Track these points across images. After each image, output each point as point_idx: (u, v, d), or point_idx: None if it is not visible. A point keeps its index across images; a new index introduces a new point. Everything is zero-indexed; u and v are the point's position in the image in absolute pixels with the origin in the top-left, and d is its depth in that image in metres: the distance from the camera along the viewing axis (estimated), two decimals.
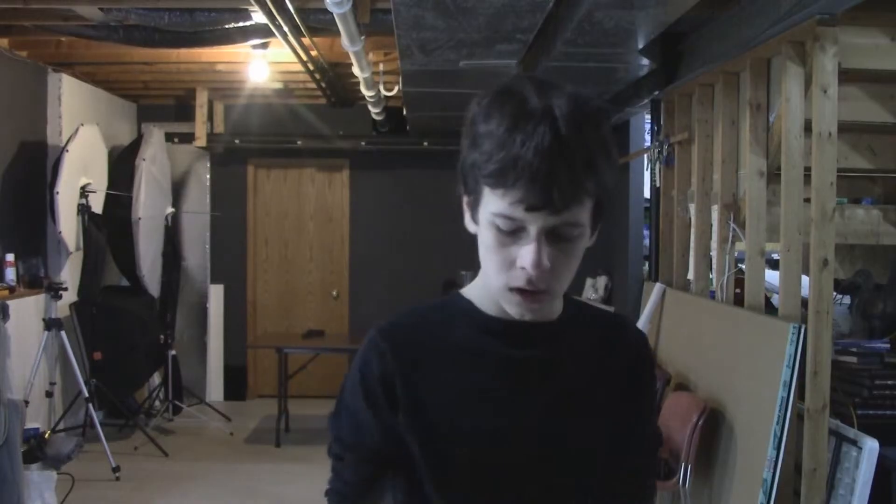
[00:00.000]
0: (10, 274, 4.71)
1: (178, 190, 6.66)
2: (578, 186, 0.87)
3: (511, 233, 0.90)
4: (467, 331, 1.02)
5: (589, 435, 1.03)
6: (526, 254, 0.90)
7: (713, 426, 3.25)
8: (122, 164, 5.81)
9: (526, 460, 1.00)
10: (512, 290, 0.93)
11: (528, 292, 0.93)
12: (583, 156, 0.87)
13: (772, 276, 3.46)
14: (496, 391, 1.00)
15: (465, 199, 0.97)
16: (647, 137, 5.37)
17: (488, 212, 0.91)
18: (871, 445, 2.65)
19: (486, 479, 0.99)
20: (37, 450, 4.01)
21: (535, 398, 1.01)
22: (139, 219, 5.57)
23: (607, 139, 0.91)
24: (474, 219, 0.96)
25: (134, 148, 5.93)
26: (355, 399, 1.02)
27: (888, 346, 3.00)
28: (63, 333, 4.84)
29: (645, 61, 3.90)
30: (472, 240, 0.99)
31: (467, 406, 1.00)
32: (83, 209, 5.25)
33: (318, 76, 5.30)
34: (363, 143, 6.62)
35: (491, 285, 0.97)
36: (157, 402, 6.10)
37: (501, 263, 0.93)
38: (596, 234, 0.97)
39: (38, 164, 5.33)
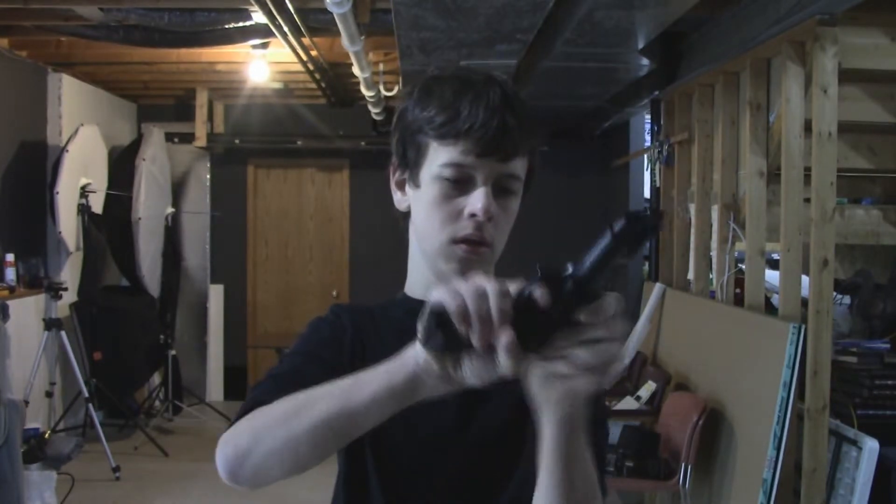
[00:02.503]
0: (10, 274, 4.71)
1: (178, 190, 6.66)
2: (525, 137, 0.95)
3: (458, 183, 0.94)
4: (398, 314, 1.04)
5: (513, 423, 0.97)
6: (476, 200, 0.94)
7: (713, 426, 3.25)
8: (122, 164, 5.81)
9: (447, 444, 0.98)
10: (457, 241, 0.95)
11: (473, 243, 0.95)
12: (526, 113, 0.95)
13: (772, 276, 3.46)
14: None
15: (395, 176, 1.02)
16: (647, 137, 5.37)
17: (436, 165, 0.95)
18: (871, 445, 2.65)
19: (410, 460, 0.98)
20: (37, 450, 4.00)
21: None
22: (139, 219, 5.57)
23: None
24: (415, 182, 0.98)
25: (134, 148, 5.93)
26: (310, 330, 1.04)
27: (888, 346, 3.00)
28: (63, 333, 4.84)
29: (645, 61, 3.90)
30: None
31: None
32: (83, 209, 5.25)
33: (318, 76, 5.30)
34: (363, 143, 6.62)
35: (430, 248, 0.99)
36: (157, 402, 6.09)
37: (448, 216, 0.95)
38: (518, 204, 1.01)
39: (38, 164, 5.32)
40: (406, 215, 1.03)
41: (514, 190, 0.97)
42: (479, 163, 0.93)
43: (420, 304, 0.97)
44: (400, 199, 1.03)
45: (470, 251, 0.96)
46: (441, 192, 0.95)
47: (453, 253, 0.96)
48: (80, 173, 5.27)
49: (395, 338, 0.98)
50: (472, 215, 0.94)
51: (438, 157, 0.95)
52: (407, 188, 1.01)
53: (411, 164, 0.98)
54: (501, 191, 0.95)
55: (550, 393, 0.75)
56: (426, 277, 1.02)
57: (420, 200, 0.98)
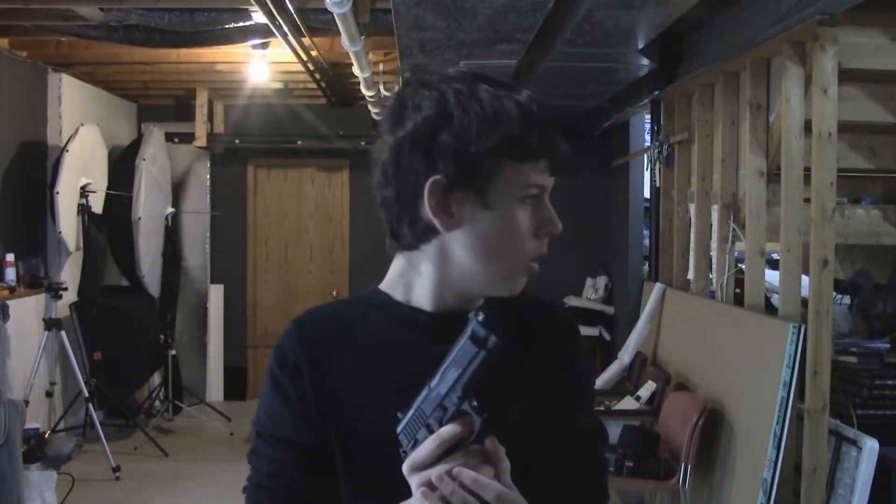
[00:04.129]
0: (10, 274, 4.71)
1: (178, 190, 6.66)
2: (564, 148, 0.96)
3: (534, 201, 0.95)
4: (381, 324, 1.00)
5: (507, 428, 0.94)
6: (552, 217, 0.95)
7: (713, 426, 3.25)
8: (122, 164, 5.81)
9: None
10: (534, 259, 0.96)
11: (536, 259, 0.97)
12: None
13: (772, 276, 3.46)
14: (410, 386, 0.92)
15: (435, 198, 0.92)
16: (647, 137, 5.37)
17: (518, 186, 0.93)
18: (871, 445, 2.66)
19: (395, 478, 0.91)
20: (37, 450, 4.00)
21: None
22: (139, 219, 5.57)
23: None
24: (483, 203, 0.92)
25: (134, 148, 5.93)
26: (267, 390, 1.01)
27: (888, 346, 3.00)
28: (63, 333, 4.84)
29: (645, 61, 3.90)
30: None
31: (379, 401, 0.95)
32: (83, 209, 5.25)
33: (318, 76, 5.30)
34: (363, 143, 6.62)
35: (500, 269, 0.95)
36: (157, 402, 6.09)
37: (530, 235, 0.95)
38: None
39: (38, 164, 5.32)
40: (428, 233, 0.95)
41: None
42: (549, 181, 0.95)
43: (411, 311, 0.99)
44: (448, 222, 0.93)
45: (532, 269, 0.97)
46: (526, 212, 0.94)
47: (527, 271, 0.97)
48: (80, 173, 5.27)
49: (377, 348, 0.99)
50: (549, 232, 0.96)
51: (518, 178, 0.92)
52: (461, 210, 0.92)
53: (479, 184, 0.91)
54: None
55: None
56: (442, 292, 0.98)
57: (492, 222, 0.92)
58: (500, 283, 0.97)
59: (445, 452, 0.83)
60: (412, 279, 1.01)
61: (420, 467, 0.84)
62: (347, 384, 0.98)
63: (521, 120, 0.91)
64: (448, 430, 0.84)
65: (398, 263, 1.03)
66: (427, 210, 0.92)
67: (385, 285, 1.04)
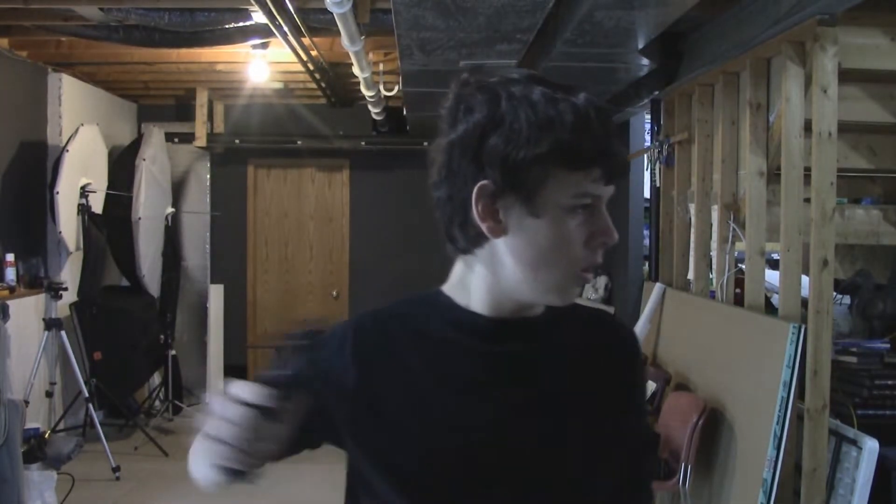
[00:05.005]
0: (10, 274, 4.71)
1: (178, 190, 6.66)
2: (620, 156, 0.95)
3: (586, 210, 0.93)
4: (445, 326, 0.99)
5: (565, 437, 0.97)
6: (607, 227, 0.94)
7: (713, 426, 3.25)
8: (122, 164, 5.81)
9: (495, 460, 0.95)
10: (585, 269, 0.94)
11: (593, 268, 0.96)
12: (615, 133, 0.94)
13: (772, 276, 3.46)
14: (469, 387, 0.96)
15: (483, 203, 0.92)
16: (647, 137, 5.37)
17: (568, 195, 0.91)
18: (871, 445, 2.65)
19: (448, 476, 0.94)
20: (37, 450, 4.00)
21: (510, 396, 0.96)
22: (139, 219, 5.57)
23: None
24: (532, 211, 0.91)
25: (134, 148, 5.93)
26: (300, 363, 1.00)
27: (888, 346, 3.00)
28: (63, 333, 4.84)
29: (645, 61, 3.90)
30: None
31: (436, 402, 0.96)
32: (83, 209, 5.25)
33: (318, 76, 5.30)
34: (363, 143, 6.62)
35: (551, 277, 0.94)
36: (157, 402, 6.09)
37: (583, 244, 0.93)
38: None
39: (38, 164, 5.32)
40: (479, 237, 0.94)
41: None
42: (605, 189, 0.93)
43: (472, 315, 0.98)
44: (494, 227, 0.92)
45: (587, 277, 0.96)
46: (577, 222, 0.92)
47: (579, 280, 0.95)
48: (80, 173, 5.27)
49: (436, 350, 0.98)
50: (604, 243, 0.94)
51: (569, 186, 0.90)
52: (508, 216, 0.92)
53: (527, 191, 0.90)
54: None
55: None
56: (497, 298, 0.98)
57: (540, 230, 0.91)
58: (549, 291, 0.95)
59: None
60: (469, 283, 1.00)
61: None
62: (406, 384, 0.97)
63: (575, 126, 0.88)
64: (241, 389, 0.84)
65: (458, 266, 1.02)
66: (475, 215, 0.92)
67: (447, 287, 1.04)
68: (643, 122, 5.50)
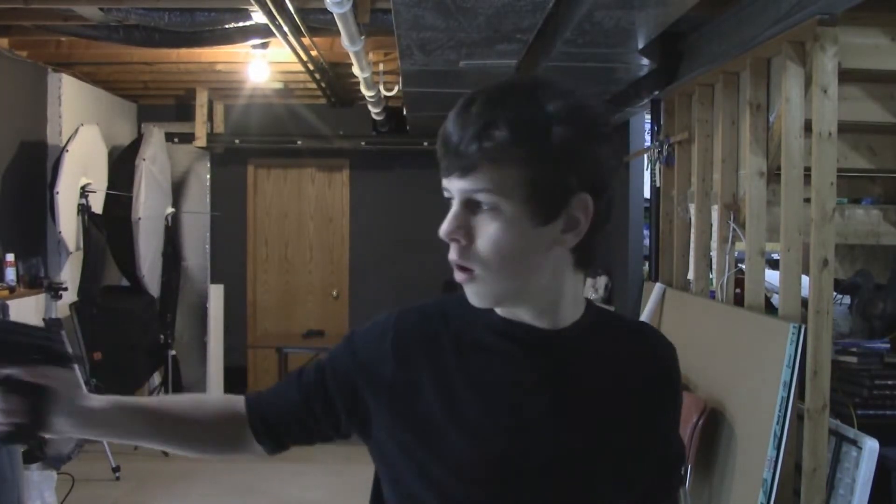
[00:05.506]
0: (10, 274, 4.71)
1: (178, 190, 6.66)
2: (472, 146, 0.88)
3: (450, 204, 0.93)
4: (483, 330, 0.99)
5: (594, 449, 0.98)
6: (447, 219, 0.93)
7: (713, 426, 3.25)
8: (122, 164, 5.81)
9: (522, 468, 0.95)
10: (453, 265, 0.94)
11: (458, 267, 0.93)
12: (484, 120, 0.88)
13: (772, 276, 3.46)
14: (500, 393, 0.96)
15: None
16: (647, 137, 5.37)
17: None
18: (871, 445, 2.65)
19: (474, 479, 0.95)
20: (37, 450, 4.00)
21: (540, 404, 0.96)
22: (139, 219, 5.57)
23: (540, 113, 0.89)
24: None
25: (134, 148, 5.92)
26: (344, 350, 1.06)
27: (888, 346, 3.00)
28: (63, 333, 4.83)
29: (645, 61, 3.90)
30: None
31: (468, 404, 0.96)
32: (83, 209, 5.25)
33: (318, 76, 5.30)
34: (363, 143, 6.62)
35: None
36: None
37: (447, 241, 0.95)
38: (554, 226, 0.91)
39: (38, 164, 5.32)
40: None
41: (489, 205, 0.90)
42: (450, 182, 0.92)
43: (502, 321, 0.98)
44: None
45: (458, 275, 0.94)
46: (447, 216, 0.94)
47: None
48: (80, 173, 5.27)
49: (476, 352, 0.98)
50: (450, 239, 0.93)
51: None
52: None
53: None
54: (476, 207, 0.91)
55: None
56: None
57: None
58: None
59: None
60: None
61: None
62: (437, 382, 0.97)
63: (447, 119, 0.92)
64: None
65: None
66: None
67: None
68: (643, 122, 5.50)
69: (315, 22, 3.85)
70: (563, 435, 0.96)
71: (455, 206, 0.92)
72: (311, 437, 1.05)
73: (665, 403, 1.05)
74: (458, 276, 0.94)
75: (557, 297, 0.97)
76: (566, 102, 0.89)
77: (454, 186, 0.91)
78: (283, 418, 1.04)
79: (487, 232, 0.90)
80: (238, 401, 1.07)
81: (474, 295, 0.95)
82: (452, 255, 0.93)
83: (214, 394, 1.21)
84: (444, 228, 0.92)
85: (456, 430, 0.95)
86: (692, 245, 4.18)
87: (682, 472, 1.13)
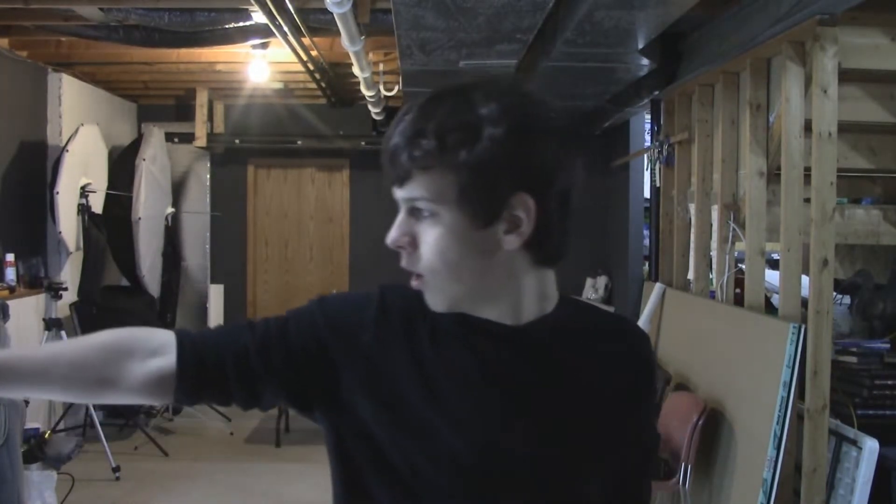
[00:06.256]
0: (10, 274, 4.71)
1: (178, 190, 6.66)
2: (403, 155, 0.90)
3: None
4: (452, 321, 0.98)
5: (565, 442, 0.97)
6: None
7: (713, 426, 3.25)
8: (122, 164, 5.81)
9: (489, 459, 0.94)
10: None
11: (410, 272, 0.95)
12: (415, 129, 0.89)
13: (772, 276, 3.46)
14: (471, 385, 0.95)
15: None
16: (647, 137, 5.37)
17: None
18: (871, 445, 2.65)
19: (441, 469, 0.93)
20: (37, 450, 4.00)
21: (512, 398, 0.95)
22: (139, 219, 5.57)
23: (469, 117, 0.88)
24: None
25: (134, 148, 5.92)
26: (307, 316, 0.99)
27: (888, 346, 3.00)
28: (63, 333, 4.84)
29: (645, 61, 3.90)
30: None
31: (443, 393, 0.94)
32: (83, 209, 5.25)
33: (318, 76, 5.30)
34: (363, 143, 6.62)
35: None
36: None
37: None
38: (497, 229, 0.91)
39: (38, 164, 5.32)
40: None
41: (429, 212, 0.91)
42: (396, 191, 0.94)
43: (480, 320, 0.96)
44: None
45: (412, 281, 0.95)
46: None
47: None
48: (80, 173, 5.27)
49: (446, 346, 0.96)
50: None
51: None
52: None
53: None
54: (418, 215, 0.92)
55: None
56: None
57: None
58: None
59: None
60: None
61: None
62: (413, 367, 0.96)
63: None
64: None
65: None
66: None
67: None
68: (643, 122, 5.50)
69: (315, 22, 3.86)
70: (532, 429, 0.95)
71: (400, 215, 0.94)
72: (248, 393, 0.97)
73: (642, 398, 1.05)
74: (413, 283, 0.95)
75: (518, 295, 0.96)
76: (501, 102, 0.89)
77: (397, 195, 0.93)
78: (225, 364, 0.95)
79: (430, 239, 0.91)
80: (155, 337, 0.96)
81: (429, 300, 0.96)
82: (403, 262, 0.95)
83: (119, 332, 1.04)
84: (389, 237, 0.94)
85: (433, 415, 0.94)
86: (692, 245, 4.18)
87: (657, 461, 1.12)
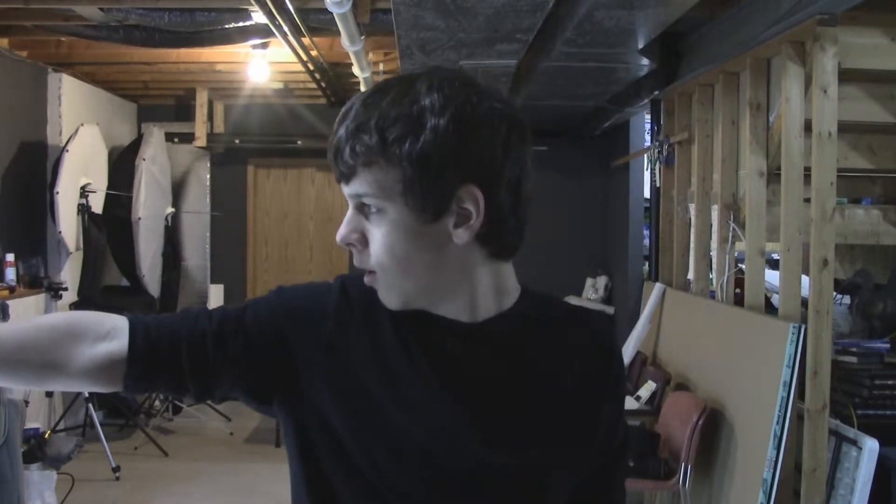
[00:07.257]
0: (10, 274, 4.71)
1: (178, 190, 6.66)
2: (346, 150, 0.88)
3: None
4: (410, 317, 0.95)
5: (528, 440, 0.94)
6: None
7: (713, 426, 3.25)
8: (122, 164, 5.81)
9: (447, 458, 0.92)
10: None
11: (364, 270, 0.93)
12: (356, 124, 0.87)
13: (772, 276, 3.46)
14: (430, 382, 0.92)
15: None
16: (647, 137, 5.37)
17: None
18: (871, 445, 2.65)
19: (398, 466, 0.92)
20: (37, 450, 4.00)
21: (469, 395, 0.93)
22: (139, 219, 5.57)
23: (411, 109, 0.86)
24: None
25: (134, 148, 5.93)
26: (268, 304, 0.96)
27: (888, 346, 3.00)
28: None
29: (645, 61, 3.90)
30: None
31: (400, 388, 0.92)
32: (83, 209, 5.25)
33: (318, 76, 5.30)
34: None
35: None
36: (157, 402, 6.09)
37: None
38: (443, 223, 0.88)
39: (38, 164, 5.32)
40: None
41: (376, 208, 0.89)
42: (345, 188, 0.91)
43: (430, 316, 0.94)
44: None
45: (365, 278, 0.95)
46: None
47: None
48: (80, 173, 5.27)
49: (403, 340, 0.94)
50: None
51: None
52: None
53: None
54: (367, 211, 0.91)
55: None
56: None
57: None
58: None
59: None
60: None
61: None
62: (371, 360, 0.94)
63: None
64: None
65: None
66: None
67: None
68: (643, 122, 5.50)
69: (315, 22, 3.86)
70: (491, 426, 0.93)
71: (349, 212, 0.92)
72: (202, 382, 0.94)
73: (608, 389, 1.02)
74: (365, 279, 0.94)
75: (472, 290, 0.94)
76: (444, 93, 0.86)
77: (344, 192, 0.91)
78: (180, 350, 0.92)
79: (378, 235, 0.90)
80: (107, 320, 0.92)
81: (382, 297, 0.94)
82: (354, 260, 0.94)
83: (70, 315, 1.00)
84: (338, 235, 0.93)
85: (393, 407, 0.92)
86: (692, 245, 4.18)
87: (626, 462, 1.08)
